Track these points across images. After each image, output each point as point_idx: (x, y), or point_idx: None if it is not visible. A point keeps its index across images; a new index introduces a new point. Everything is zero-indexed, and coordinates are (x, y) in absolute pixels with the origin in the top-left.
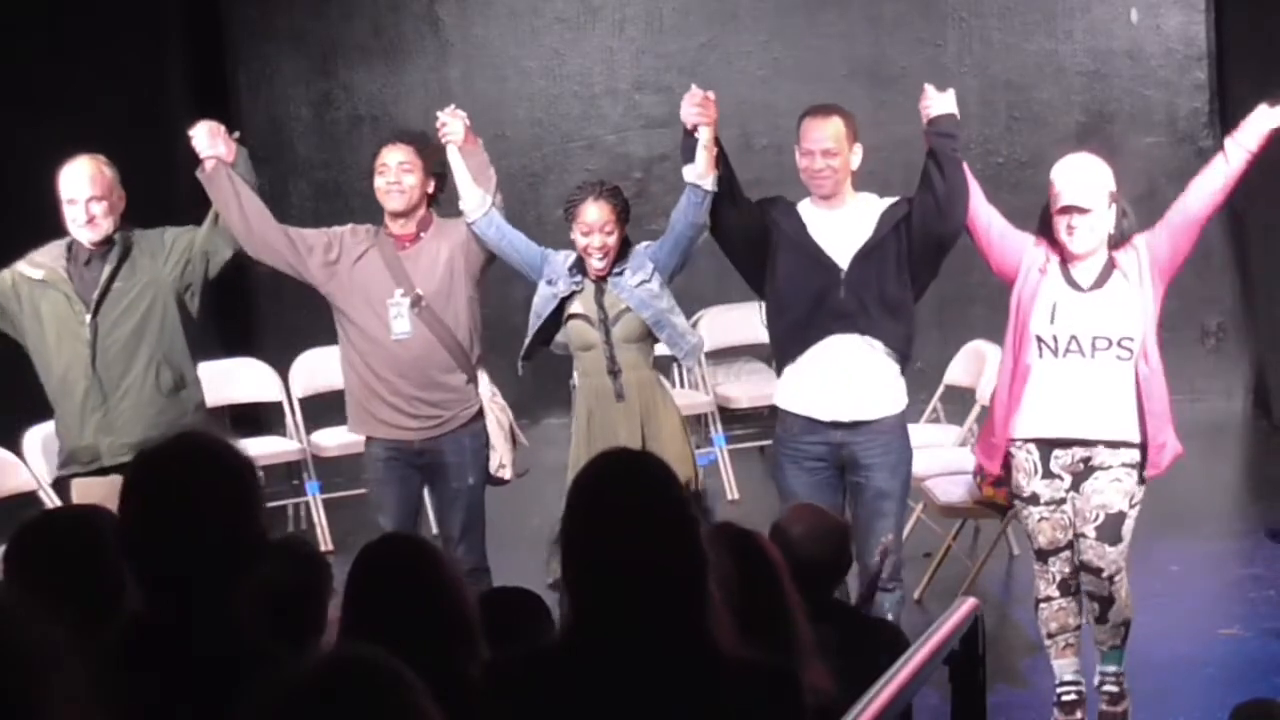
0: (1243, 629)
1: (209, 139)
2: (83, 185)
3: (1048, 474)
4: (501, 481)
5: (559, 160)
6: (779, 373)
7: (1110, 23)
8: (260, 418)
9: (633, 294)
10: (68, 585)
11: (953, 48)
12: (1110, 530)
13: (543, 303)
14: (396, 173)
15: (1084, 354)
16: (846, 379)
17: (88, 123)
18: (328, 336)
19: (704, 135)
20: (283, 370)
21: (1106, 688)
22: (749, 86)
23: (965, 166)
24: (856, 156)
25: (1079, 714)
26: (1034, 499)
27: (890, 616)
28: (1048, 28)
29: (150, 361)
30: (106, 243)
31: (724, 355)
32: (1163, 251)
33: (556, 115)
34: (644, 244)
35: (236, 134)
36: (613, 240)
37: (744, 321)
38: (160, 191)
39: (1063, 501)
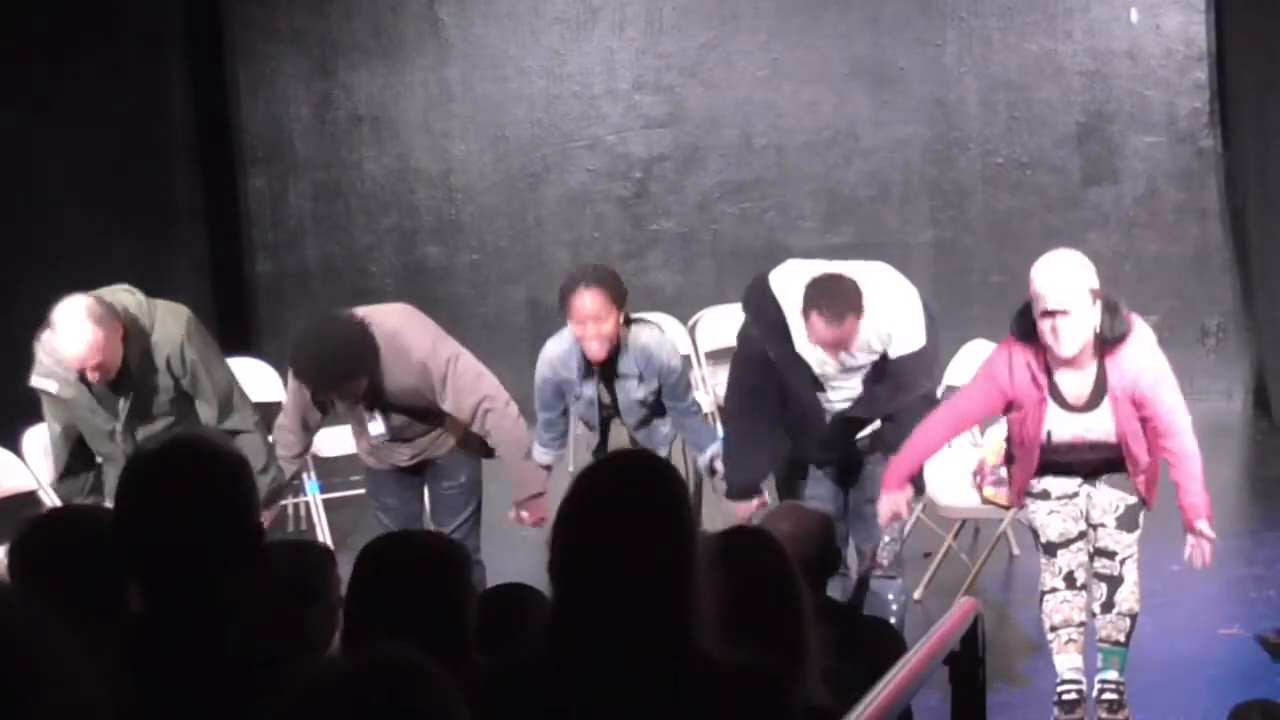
0: (1243, 629)
1: None
2: (77, 358)
3: (1059, 472)
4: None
5: (559, 160)
6: None
7: (1110, 23)
8: (260, 418)
9: (632, 408)
10: (71, 585)
11: (953, 48)
12: (1129, 519)
13: (586, 410)
14: None
15: (1088, 444)
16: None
17: (88, 123)
18: None
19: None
20: (283, 370)
21: (1106, 696)
22: (749, 86)
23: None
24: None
25: (1079, 713)
26: (1044, 494)
27: (894, 606)
28: (1048, 28)
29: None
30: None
31: (724, 355)
32: (1141, 405)
33: (556, 115)
34: (662, 352)
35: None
36: (609, 328)
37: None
38: (159, 192)
39: (1075, 495)
